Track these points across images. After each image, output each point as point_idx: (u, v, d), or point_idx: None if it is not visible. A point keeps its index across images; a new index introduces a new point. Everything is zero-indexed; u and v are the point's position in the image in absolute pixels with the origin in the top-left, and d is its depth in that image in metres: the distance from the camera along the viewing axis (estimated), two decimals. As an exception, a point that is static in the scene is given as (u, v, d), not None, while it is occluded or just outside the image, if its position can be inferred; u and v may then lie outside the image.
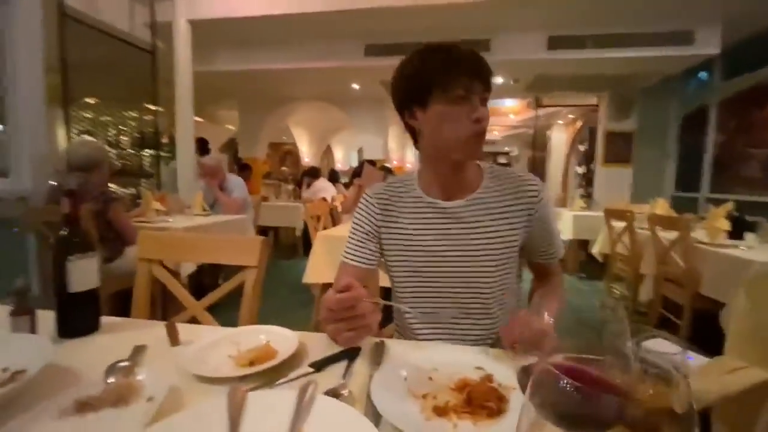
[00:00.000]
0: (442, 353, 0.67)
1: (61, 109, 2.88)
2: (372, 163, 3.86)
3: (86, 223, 1.91)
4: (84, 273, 0.74)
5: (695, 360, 0.56)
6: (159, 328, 0.75)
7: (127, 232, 2.09)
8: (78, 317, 0.74)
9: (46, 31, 2.51)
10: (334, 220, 3.93)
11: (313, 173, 5.56)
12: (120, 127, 5.52)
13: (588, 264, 4.34)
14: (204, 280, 2.78)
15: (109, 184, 2.88)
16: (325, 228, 2.88)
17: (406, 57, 0.81)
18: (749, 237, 2.25)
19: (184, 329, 0.75)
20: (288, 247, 5.58)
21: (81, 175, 2.09)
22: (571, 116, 7.77)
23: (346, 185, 5.65)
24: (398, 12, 3.72)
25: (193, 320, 1.02)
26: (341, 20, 3.95)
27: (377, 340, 0.73)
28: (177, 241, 1.07)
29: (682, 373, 0.45)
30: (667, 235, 2.31)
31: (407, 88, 0.80)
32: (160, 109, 3.96)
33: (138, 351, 0.66)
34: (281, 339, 0.69)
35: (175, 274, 2.14)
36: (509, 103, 8.75)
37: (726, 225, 2.18)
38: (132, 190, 3.41)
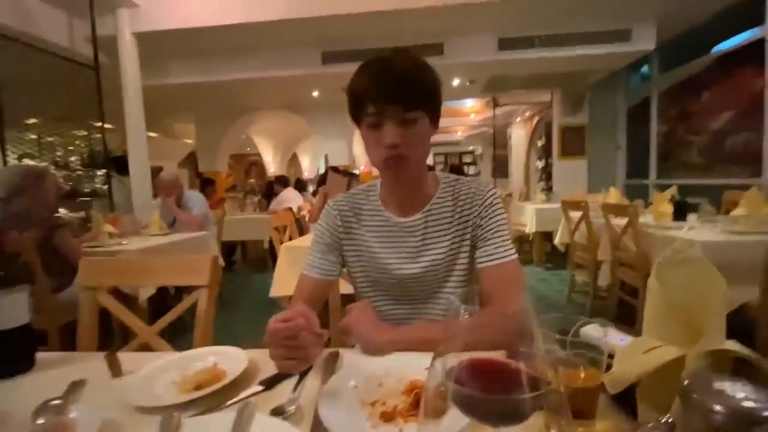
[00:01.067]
0: (394, 358, 0.68)
1: (-4, 132, 2.69)
2: (336, 169, 3.84)
3: (26, 253, 1.79)
4: (12, 309, 0.69)
5: (627, 341, 0.59)
6: (100, 360, 0.71)
7: (76, 259, 1.97)
8: (8, 356, 0.69)
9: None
10: (302, 230, 3.88)
11: (283, 182, 5.47)
12: (68, 147, 5.22)
13: (553, 254, 4.51)
14: (167, 302, 2.66)
15: (60, 209, 2.72)
16: (290, 238, 2.84)
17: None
18: (691, 218, 2.41)
19: (127, 358, 0.72)
20: (257, 260, 5.46)
21: (19, 201, 1.96)
22: (527, 113, 8.07)
23: (314, 193, 5.59)
24: (352, 19, 3.75)
25: (146, 347, 0.98)
26: (296, 28, 3.93)
27: (331, 350, 0.72)
28: (121, 265, 1.02)
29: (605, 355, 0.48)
30: (620, 222, 2.44)
31: (348, 103, 0.80)
32: (108, 126, 3.77)
33: (74, 387, 0.62)
34: (230, 359, 0.67)
35: (132, 298, 2.05)
36: (469, 103, 8.98)
37: (669, 209, 2.33)
38: (82, 214, 3.22)
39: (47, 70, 3.42)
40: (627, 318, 2.42)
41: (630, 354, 0.45)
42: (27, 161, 3.46)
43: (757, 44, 3.34)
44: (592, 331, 0.54)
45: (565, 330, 0.54)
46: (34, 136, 4.77)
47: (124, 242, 2.39)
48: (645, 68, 5.09)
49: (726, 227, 2.03)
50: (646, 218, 2.46)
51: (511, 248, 0.81)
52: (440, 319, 0.85)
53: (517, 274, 0.80)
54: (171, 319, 0.98)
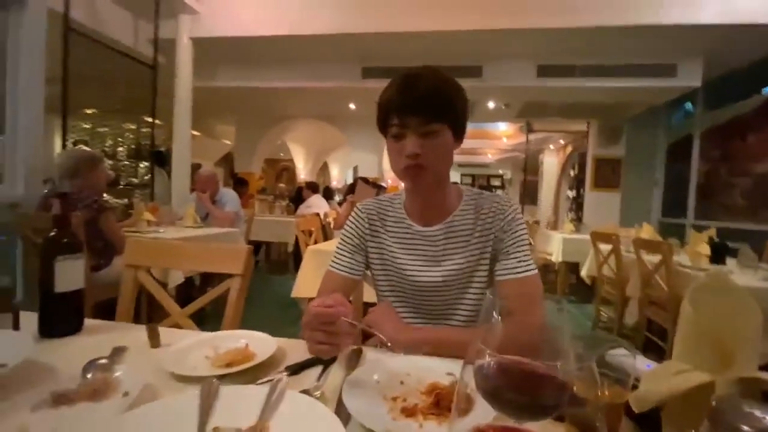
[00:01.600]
0: (416, 360, 0.69)
1: (60, 119, 2.92)
2: (366, 180, 3.91)
3: (76, 228, 1.91)
4: (70, 273, 0.75)
5: (653, 367, 0.59)
6: (141, 331, 0.76)
7: (116, 242, 2.10)
8: (61, 317, 0.75)
9: (49, 43, 2.57)
10: (326, 236, 3.95)
11: (313, 188, 5.60)
12: (118, 138, 5.54)
13: (578, 287, 4.37)
14: (192, 293, 2.76)
15: (104, 194, 2.90)
16: (316, 242, 2.90)
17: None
18: (730, 262, 2.30)
19: (165, 333, 0.76)
20: (279, 263, 5.56)
21: (75, 182, 2.11)
22: (561, 141, 7.95)
23: (340, 203, 5.68)
24: (394, 37, 3.86)
25: (176, 327, 1.03)
26: (340, 43, 4.08)
27: (354, 346, 0.75)
28: (163, 248, 1.09)
29: (634, 377, 0.48)
30: (652, 259, 2.36)
31: (377, 115, 0.83)
32: (158, 122, 4.01)
33: (117, 351, 0.67)
34: (260, 343, 0.70)
35: (163, 284, 2.14)
36: (502, 127, 8.96)
37: (706, 250, 2.24)
38: (125, 200, 3.41)
39: (110, 66, 3.68)
40: (653, 360, 2.31)
41: (658, 375, 0.45)
42: (81, 147, 3.71)
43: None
44: (619, 354, 0.54)
45: (592, 349, 0.55)
46: (88, 126, 5.12)
47: (161, 231, 2.52)
48: (688, 105, 4.95)
49: (768, 275, 1.94)
50: (680, 257, 2.37)
51: (531, 263, 0.82)
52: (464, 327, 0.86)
53: (537, 288, 0.81)
54: (203, 304, 1.03)
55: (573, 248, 4.15)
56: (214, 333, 0.77)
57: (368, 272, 0.96)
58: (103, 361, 0.61)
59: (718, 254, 2.29)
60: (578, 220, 5.69)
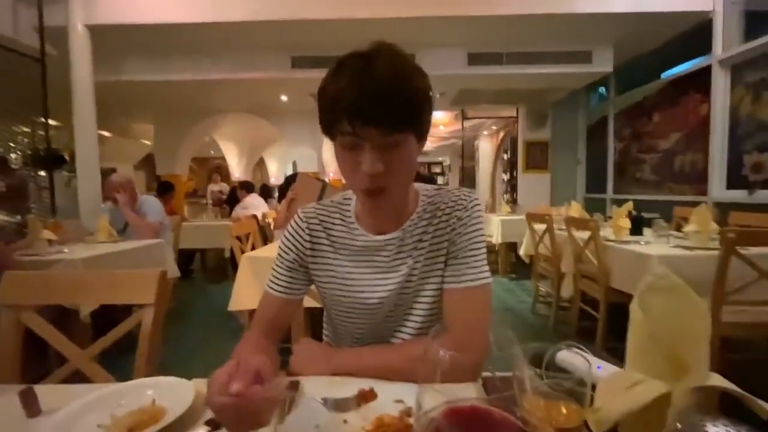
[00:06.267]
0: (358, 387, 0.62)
1: None
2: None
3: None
4: None
5: (604, 370, 0.56)
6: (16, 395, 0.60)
7: (3, 270, 1.76)
8: None
9: None
10: (267, 239, 3.74)
11: (248, 187, 5.25)
12: (9, 143, 4.79)
13: (517, 265, 4.62)
14: (115, 316, 2.44)
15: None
16: (254, 247, 2.71)
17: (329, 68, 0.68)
18: (647, 233, 2.54)
19: (50, 392, 0.62)
20: (216, 269, 5.21)
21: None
22: (494, 127, 8.30)
23: (280, 199, 5.42)
24: (324, 25, 3.70)
25: (79, 374, 0.86)
26: (265, 31, 3.83)
27: (291, 379, 0.66)
28: (50, 280, 0.90)
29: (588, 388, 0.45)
30: (582, 235, 2.52)
31: (319, 111, 0.66)
32: (55, 123, 3.49)
33: (-25, 433, 0.52)
34: (172, 393, 0.59)
35: (72, 312, 1.86)
36: (439, 115, 9.12)
37: (627, 223, 2.43)
38: (18, 218, 2.93)
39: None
40: (588, 329, 2.48)
41: (613, 389, 0.42)
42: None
43: (704, 71, 3.60)
44: (568, 357, 0.51)
45: (538, 355, 0.51)
46: (-33, 131, 4.34)
47: (65, 250, 2.18)
48: (602, 89, 5.39)
49: (678, 242, 2.15)
50: (605, 232, 2.55)
51: (483, 270, 0.72)
52: (394, 343, 0.80)
53: (484, 302, 0.72)
54: (108, 343, 0.87)
55: (511, 229, 4.36)
56: (114, 387, 0.63)
57: (312, 287, 0.86)
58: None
59: (637, 226, 2.51)
60: (513, 202, 5.99)
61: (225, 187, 6.95)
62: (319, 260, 0.80)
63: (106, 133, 7.05)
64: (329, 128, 0.65)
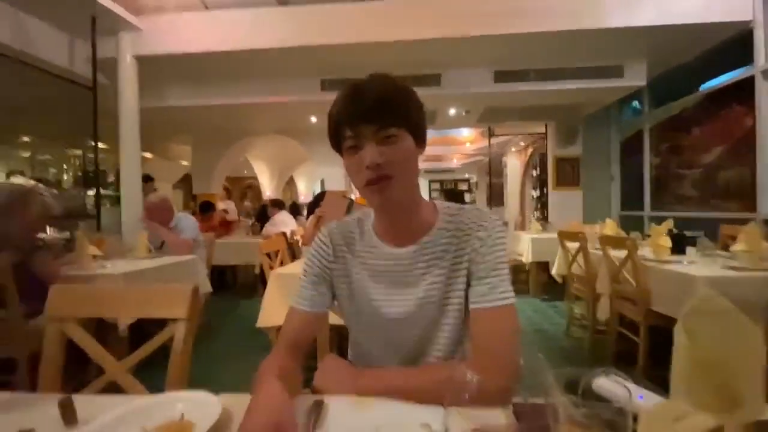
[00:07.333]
0: (388, 411, 0.60)
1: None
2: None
3: (2, 272, 1.70)
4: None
5: (646, 399, 0.53)
6: (56, 404, 0.63)
7: (53, 284, 1.88)
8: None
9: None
10: (295, 255, 3.80)
11: (278, 204, 5.40)
12: (63, 165, 5.16)
13: (549, 285, 4.44)
14: (149, 329, 2.53)
15: (48, 228, 2.62)
16: (282, 264, 2.76)
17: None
18: (690, 252, 2.38)
19: (87, 403, 0.64)
20: (247, 286, 5.32)
21: (1, 221, 1.88)
22: (522, 144, 8.18)
23: (308, 216, 5.52)
24: (352, 49, 3.82)
25: (115, 385, 0.89)
26: (296, 56, 3.99)
27: (316, 398, 0.65)
28: (91, 295, 0.95)
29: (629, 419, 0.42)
30: (618, 254, 2.39)
31: (328, 132, 0.77)
32: (103, 146, 3.75)
33: (19, 438, 0.54)
34: (200, 408, 0.60)
35: (111, 326, 1.94)
36: (465, 133, 9.12)
37: (667, 242, 2.29)
38: (67, 234, 3.13)
39: (45, 90, 3.42)
40: (627, 354, 2.33)
41: (658, 421, 0.39)
42: (14, 179, 3.40)
43: (746, 82, 3.42)
44: (606, 384, 0.48)
45: (573, 381, 0.48)
46: (26, 155, 4.72)
47: (107, 265, 2.30)
48: (635, 103, 5.22)
49: (726, 263, 2.00)
50: (643, 251, 2.42)
51: (507, 291, 0.71)
52: (421, 366, 0.78)
53: (510, 322, 0.71)
54: (142, 356, 0.89)
55: (542, 248, 4.22)
56: (146, 399, 0.65)
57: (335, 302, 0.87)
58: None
59: (679, 245, 2.36)
60: (544, 219, 5.82)
61: (231, 205, 7.16)
62: (341, 274, 0.82)
63: (148, 155, 7.47)
64: (337, 143, 0.75)
